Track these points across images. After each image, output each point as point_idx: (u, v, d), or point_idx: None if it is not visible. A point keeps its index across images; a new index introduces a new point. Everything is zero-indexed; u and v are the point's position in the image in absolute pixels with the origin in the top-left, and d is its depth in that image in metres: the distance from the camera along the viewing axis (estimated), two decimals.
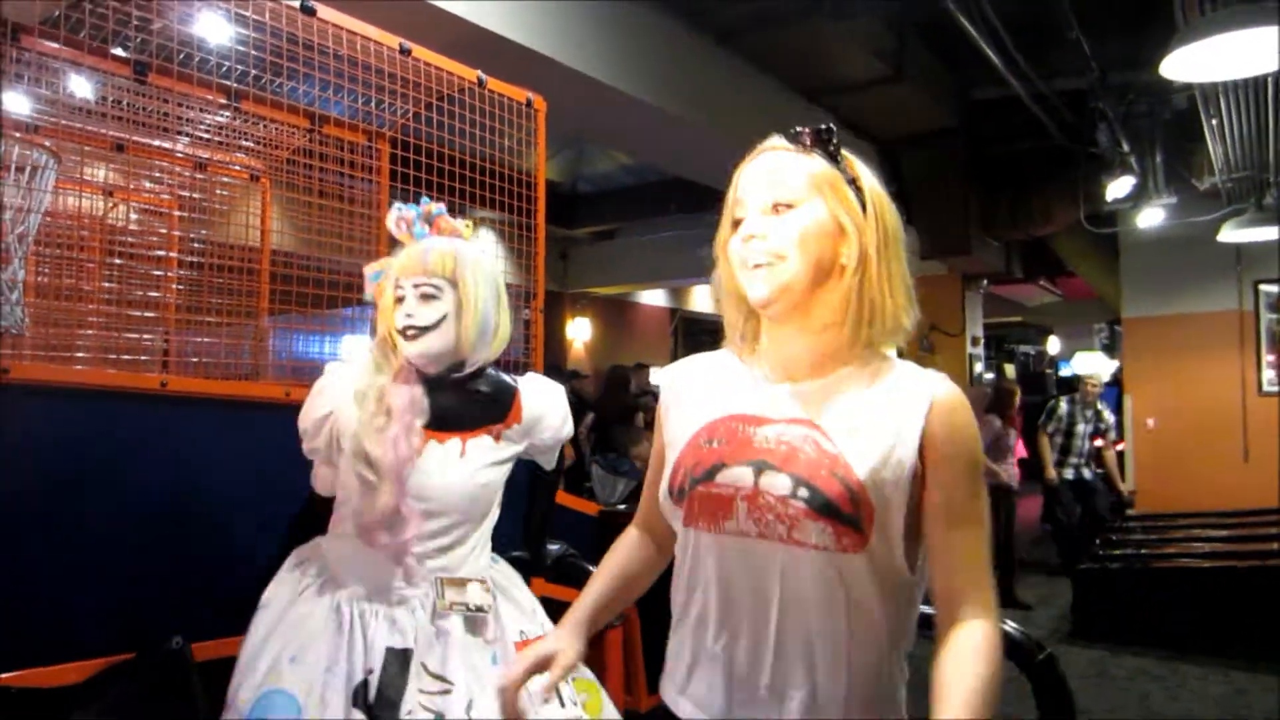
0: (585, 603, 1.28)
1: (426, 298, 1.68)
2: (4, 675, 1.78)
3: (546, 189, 2.96)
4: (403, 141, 2.77)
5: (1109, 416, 6.81)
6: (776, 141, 1.15)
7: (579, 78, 4.46)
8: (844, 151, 1.14)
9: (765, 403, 1.13)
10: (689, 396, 1.22)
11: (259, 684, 1.60)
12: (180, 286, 2.93)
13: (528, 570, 2.39)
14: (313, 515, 1.84)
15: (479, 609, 1.72)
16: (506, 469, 1.82)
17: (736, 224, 1.13)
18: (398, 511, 1.66)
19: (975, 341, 9.46)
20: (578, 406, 7.31)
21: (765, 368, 1.16)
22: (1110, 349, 10.64)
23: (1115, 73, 6.13)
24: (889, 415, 1.07)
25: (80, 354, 2.66)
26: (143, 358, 2.85)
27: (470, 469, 1.73)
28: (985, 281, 9.67)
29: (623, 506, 3.66)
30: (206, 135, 2.89)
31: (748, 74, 5.92)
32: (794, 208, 1.09)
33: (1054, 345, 15.51)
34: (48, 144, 2.09)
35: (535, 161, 2.89)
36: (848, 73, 6.21)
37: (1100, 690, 4.53)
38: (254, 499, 2.02)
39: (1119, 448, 8.25)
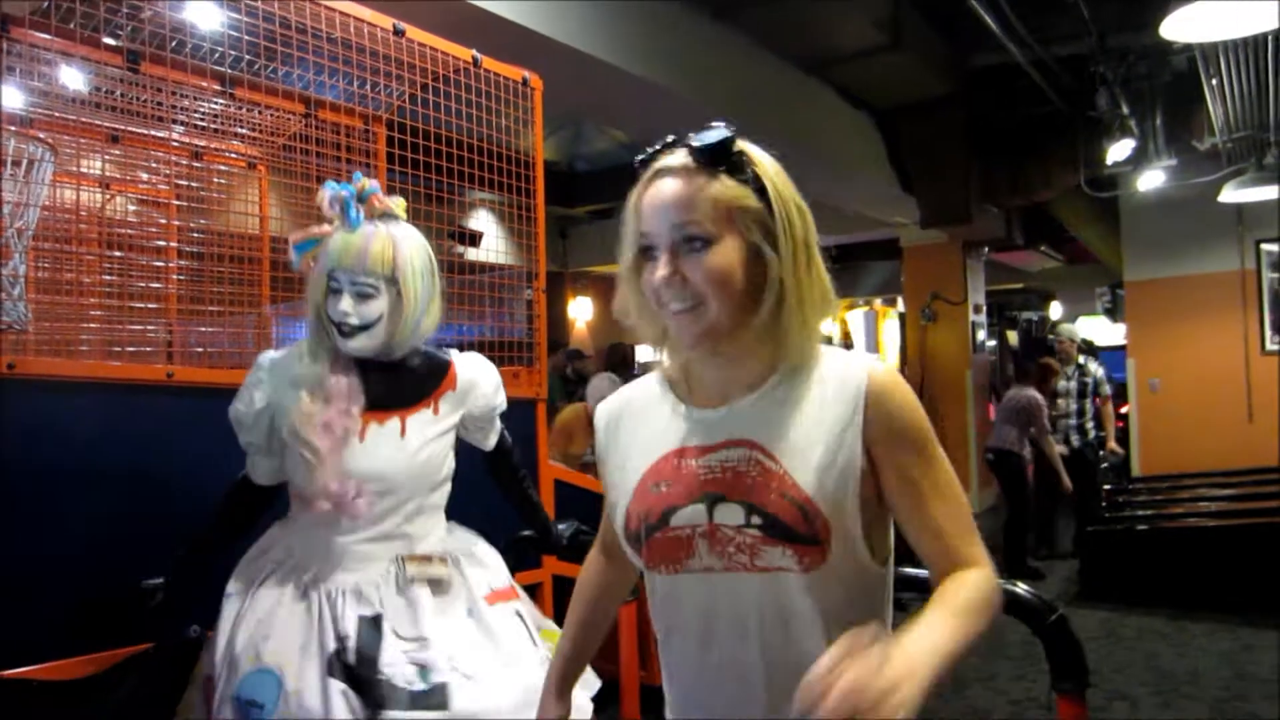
0: (559, 664, 1.36)
1: (364, 297, 1.69)
2: (23, 668, 1.79)
3: (544, 168, 2.95)
4: (399, 124, 2.76)
5: (1095, 369, 6.70)
6: (672, 160, 1.07)
7: (574, 55, 4.42)
8: (747, 152, 1.08)
9: (703, 430, 1.11)
10: (625, 435, 1.19)
11: (238, 671, 1.64)
12: (181, 277, 2.93)
13: (539, 548, 2.40)
14: (241, 501, 1.86)
15: (437, 581, 1.78)
16: (449, 439, 1.86)
17: (644, 252, 1.08)
18: (341, 494, 1.69)
19: (978, 309, 9.43)
20: (580, 385, 7.32)
21: (697, 392, 1.14)
22: (1112, 312, 10.62)
23: (1114, 36, 6.07)
24: (826, 419, 1.05)
25: (84, 348, 2.66)
26: (147, 349, 2.85)
27: (413, 446, 1.77)
28: (986, 249, 9.64)
29: None
30: (202, 123, 2.88)
31: (744, 47, 5.87)
32: (709, 244, 1.03)
33: (1056, 310, 15.48)
34: (43, 137, 2.08)
35: (533, 141, 2.88)
36: (845, 43, 6.15)
37: (1109, 650, 4.56)
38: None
39: (1123, 409, 8.26)
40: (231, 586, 1.76)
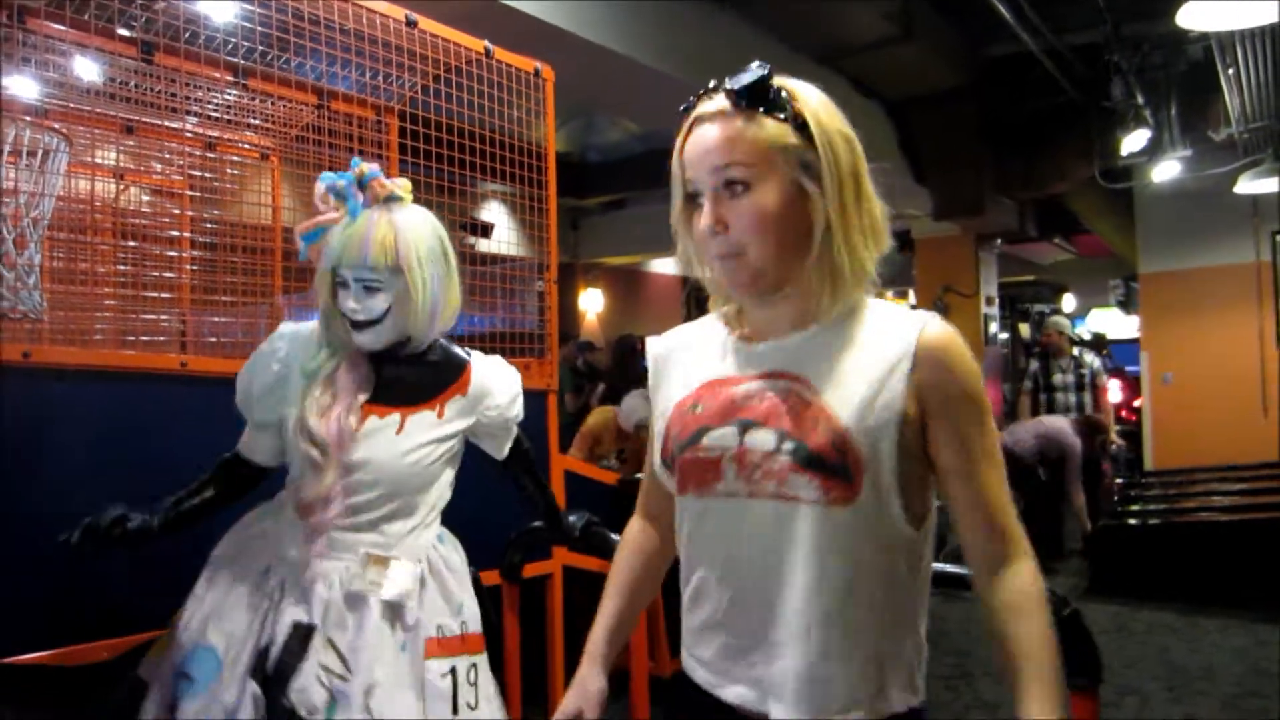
0: (601, 632, 1.27)
1: (370, 290, 1.65)
2: (39, 654, 1.81)
3: (556, 159, 2.94)
4: (411, 115, 2.76)
5: (1091, 359, 6.61)
6: (711, 105, 1.07)
7: (586, 46, 4.42)
8: (787, 87, 1.07)
9: (748, 362, 1.12)
10: (676, 367, 1.21)
11: (193, 637, 1.64)
12: (195, 267, 2.94)
13: (550, 539, 2.41)
14: (232, 477, 1.81)
15: (394, 595, 1.66)
16: (450, 446, 1.78)
17: (690, 198, 1.09)
18: (334, 495, 1.66)
19: (990, 301, 9.38)
20: (590, 377, 7.34)
21: (748, 329, 1.15)
22: (1126, 305, 10.55)
23: (1129, 24, 6.02)
24: (872, 361, 1.05)
25: (99, 337, 2.68)
26: (160, 339, 2.87)
27: (405, 445, 1.70)
28: (999, 241, 9.57)
29: (639, 475, 3.67)
30: (215, 114, 2.89)
31: (755, 38, 5.85)
32: (749, 187, 1.04)
33: (1069, 303, 15.39)
34: (58, 127, 2.09)
35: (544, 132, 2.88)
36: (855, 34, 6.12)
37: (1120, 645, 4.55)
38: (277, 474, 2.04)
39: (1136, 403, 8.20)
40: (217, 550, 1.74)
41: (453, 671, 1.71)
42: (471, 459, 1.93)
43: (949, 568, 1.64)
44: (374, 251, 1.63)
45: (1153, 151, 6.84)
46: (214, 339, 2.83)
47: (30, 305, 2.00)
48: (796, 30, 6.06)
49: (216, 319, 2.86)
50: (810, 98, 1.08)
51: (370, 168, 1.70)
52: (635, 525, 1.35)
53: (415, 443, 1.72)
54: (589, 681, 1.24)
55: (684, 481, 1.13)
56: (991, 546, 1.06)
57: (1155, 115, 6.60)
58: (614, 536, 1.41)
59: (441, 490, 1.81)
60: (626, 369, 6.60)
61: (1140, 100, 6.40)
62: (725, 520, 1.09)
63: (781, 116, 1.05)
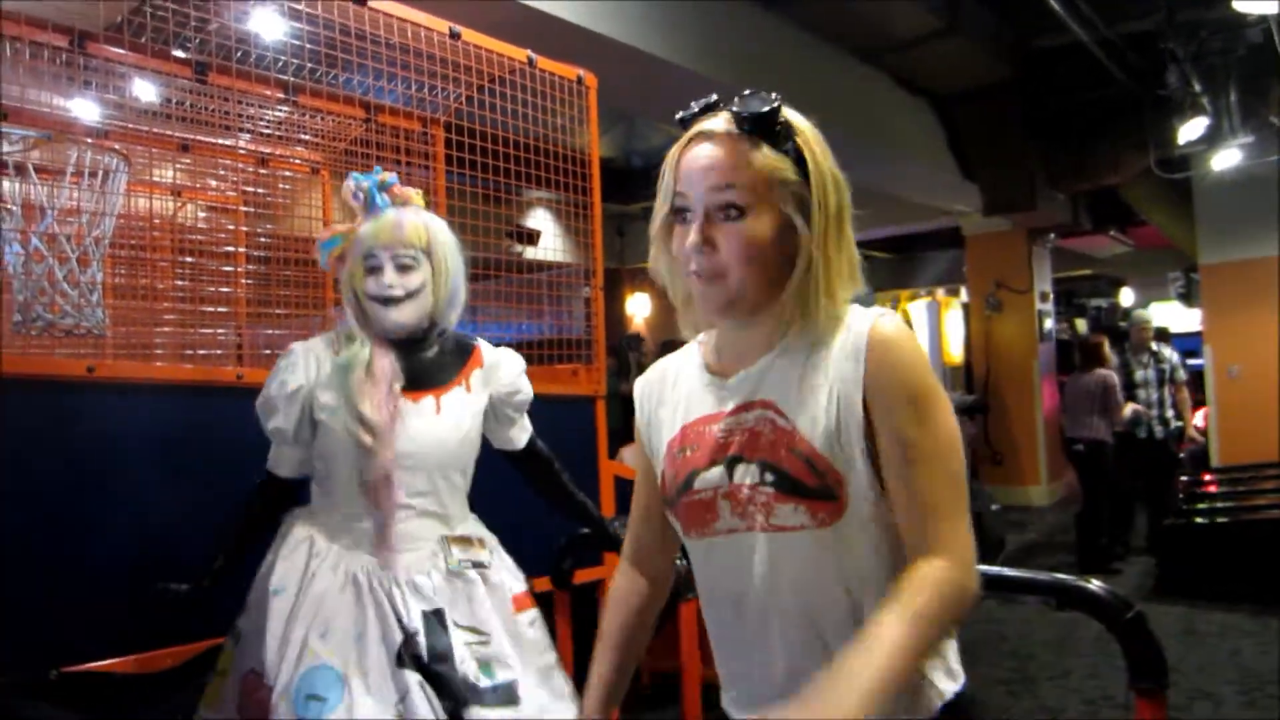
0: (598, 694, 1.26)
1: (405, 268, 1.75)
2: (106, 662, 1.85)
3: (600, 165, 2.95)
4: (456, 126, 2.79)
5: (1170, 354, 6.41)
6: (715, 125, 1.06)
7: (628, 52, 4.43)
8: (787, 118, 1.06)
9: (723, 396, 1.12)
10: (660, 406, 1.21)
11: (294, 667, 1.64)
12: (249, 281, 3.01)
13: (597, 546, 2.41)
14: (270, 499, 1.86)
15: (481, 564, 1.81)
16: (478, 420, 1.88)
17: (676, 212, 1.08)
18: (376, 475, 1.72)
19: (1044, 297, 9.21)
20: (638, 371, 7.35)
21: (721, 358, 1.15)
22: (1187, 298, 10.27)
23: (1184, 11, 5.88)
24: (833, 375, 1.04)
25: (159, 351, 2.75)
26: (218, 352, 2.94)
27: (448, 423, 1.80)
28: (1052, 235, 9.40)
29: None
30: (267, 131, 2.95)
31: (797, 36, 5.82)
32: (744, 213, 1.03)
33: (1127, 297, 15.04)
34: (118, 148, 2.15)
35: (588, 138, 2.89)
36: (899, 29, 6.06)
37: (1189, 647, 4.43)
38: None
39: (1197, 398, 7.97)
40: (275, 583, 1.75)
41: (535, 620, 1.88)
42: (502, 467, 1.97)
43: (1006, 571, 1.61)
44: (409, 231, 1.76)
45: (1211, 139, 6.65)
46: (268, 351, 2.89)
47: (94, 322, 2.06)
48: (839, 28, 6.01)
49: (271, 331, 2.92)
50: (810, 134, 1.08)
51: (389, 175, 1.82)
52: (620, 575, 1.33)
53: (455, 419, 1.82)
54: None
55: (686, 525, 1.14)
56: (915, 545, 1.00)
57: (1214, 102, 6.42)
58: None
59: (472, 463, 1.90)
60: None
61: (1197, 87, 6.23)
62: (727, 557, 1.09)
63: (784, 149, 1.05)
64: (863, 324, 1.05)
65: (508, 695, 1.68)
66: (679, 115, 1.11)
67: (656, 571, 1.30)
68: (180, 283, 2.93)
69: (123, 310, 2.74)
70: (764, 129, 1.04)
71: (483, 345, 1.94)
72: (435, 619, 1.70)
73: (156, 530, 1.96)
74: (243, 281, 2.99)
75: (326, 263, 1.85)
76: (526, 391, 1.98)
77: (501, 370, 1.93)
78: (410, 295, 1.75)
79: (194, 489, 2.02)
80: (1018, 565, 1.28)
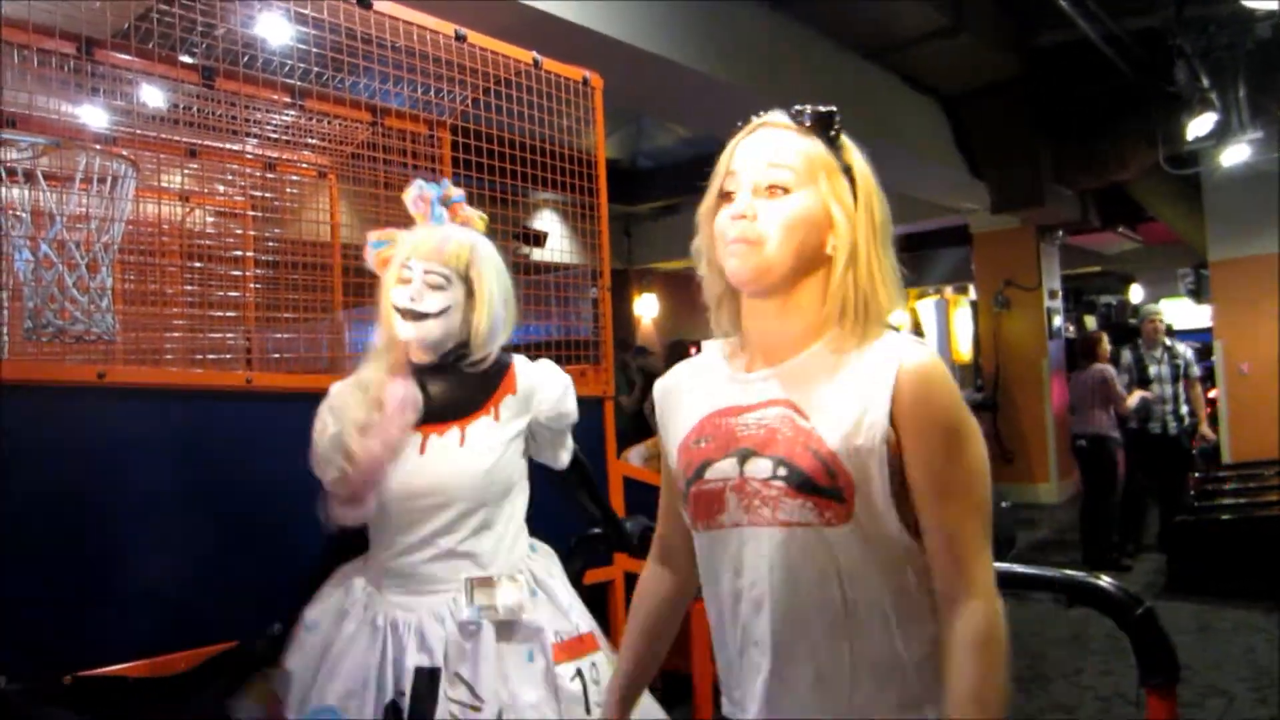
0: (620, 685, 1.32)
1: (434, 286, 1.68)
2: (119, 665, 1.86)
3: (607, 166, 2.96)
4: (463, 129, 2.80)
5: (1183, 350, 6.36)
6: (776, 117, 1.13)
7: (633, 52, 4.43)
8: (843, 137, 1.13)
9: (746, 391, 1.13)
10: (679, 403, 1.22)
11: (305, 706, 1.65)
12: (258, 285, 3.01)
13: (610, 547, 2.41)
14: (336, 554, 1.83)
15: (509, 612, 1.68)
16: (515, 447, 1.79)
17: (724, 195, 1.12)
18: (395, 511, 1.67)
19: (1053, 294, 9.17)
20: (647, 382, 7.34)
21: (746, 356, 1.16)
22: (1197, 294, 10.22)
23: (1192, 6, 5.85)
24: (858, 384, 1.06)
25: (169, 356, 2.76)
26: (227, 356, 2.95)
27: (472, 455, 1.71)
28: (1061, 232, 9.37)
29: None
30: (274, 135, 2.96)
31: (802, 36, 5.81)
32: (788, 192, 1.08)
33: (1136, 294, 14.98)
34: (126, 153, 2.16)
35: (594, 140, 2.89)
36: (904, 27, 6.05)
37: (1203, 645, 4.40)
38: None
39: (1211, 394, 7.93)
40: (310, 616, 1.74)
41: (579, 674, 1.74)
42: (530, 469, 1.94)
43: (1018, 568, 1.61)
44: (450, 249, 1.70)
45: (1220, 135, 6.63)
46: (277, 355, 2.90)
47: (104, 327, 2.07)
48: (845, 27, 6.01)
49: (280, 335, 2.92)
50: (858, 153, 1.14)
51: (457, 192, 1.79)
52: (648, 570, 1.37)
53: (480, 451, 1.72)
54: None
55: (694, 515, 1.15)
56: (948, 579, 1.05)
57: (1222, 97, 6.39)
58: None
59: (517, 498, 1.81)
60: None
61: (1206, 83, 6.20)
62: (729, 550, 1.11)
63: (834, 150, 1.11)
64: (896, 350, 1.07)
65: None
66: (740, 124, 1.16)
67: (681, 569, 1.31)
68: (189, 287, 2.93)
69: (132, 316, 2.75)
70: (820, 127, 1.11)
71: (518, 366, 1.83)
72: (425, 679, 1.62)
73: (168, 534, 1.97)
74: (251, 286, 3.00)
75: (373, 262, 1.79)
76: (572, 413, 1.89)
77: (543, 393, 1.83)
78: (430, 315, 1.68)
79: (205, 492, 2.03)
80: (1028, 563, 1.28)
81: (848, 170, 1.11)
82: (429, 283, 1.68)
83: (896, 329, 1.13)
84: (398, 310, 1.69)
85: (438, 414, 1.72)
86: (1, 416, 1.72)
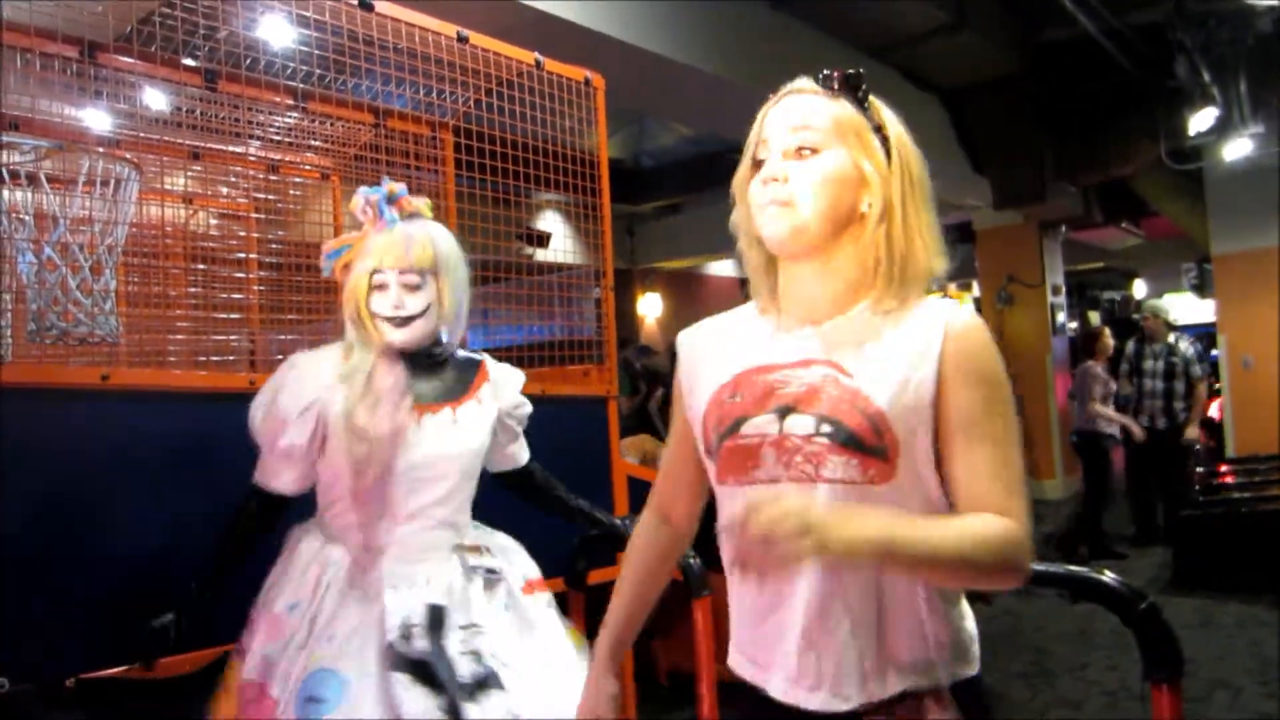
0: (612, 632, 1.33)
1: (412, 288, 1.76)
2: (123, 669, 1.87)
3: (609, 166, 2.96)
4: (465, 130, 2.80)
5: (1185, 348, 6.34)
6: (804, 84, 1.14)
7: (635, 52, 4.43)
8: (871, 98, 1.13)
9: (784, 349, 1.13)
10: (708, 357, 1.22)
11: (300, 673, 1.65)
12: (261, 287, 3.02)
13: (613, 546, 2.41)
14: (260, 515, 1.82)
15: (493, 571, 1.83)
16: (490, 432, 1.90)
17: (757, 165, 1.13)
18: (389, 484, 1.72)
19: (1056, 290, 9.16)
20: (650, 381, 7.35)
21: (783, 314, 1.16)
22: (1200, 289, 10.20)
23: (1193, 1, 5.84)
24: (905, 344, 1.06)
25: (173, 358, 2.77)
26: (230, 358, 2.96)
27: (465, 433, 1.83)
28: (1064, 228, 9.35)
29: None
30: (277, 137, 2.96)
31: (803, 33, 5.81)
32: (817, 153, 1.09)
33: (1140, 289, 14.98)
34: (129, 156, 2.16)
35: (597, 140, 2.89)
36: (906, 24, 6.04)
37: (1207, 639, 4.40)
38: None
39: (1215, 388, 7.92)
40: (288, 599, 1.74)
41: (552, 603, 1.92)
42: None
43: None
44: (416, 253, 1.76)
45: (1222, 129, 6.61)
46: (281, 356, 2.90)
47: (107, 330, 2.08)
48: (846, 24, 6.00)
49: (283, 337, 2.93)
50: (891, 115, 1.14)
51: (399, 186, 1.82)
52: (644, 521, 1.37)
53: (471, 429, 1.84)
54: (601, 685, 1.32)
55: (723, 470, 1.14)
56: (975, 503, 1.03)
57: (1224, 92, 6.37)
58: None
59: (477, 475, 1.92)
60: None
61: (1207, 77, 6.19)
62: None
63: (863, 110, 1.11)
64: (941, 310, 1.08)
65: (493, 684, 1.68)
66: (771, 94, 1.17)
67: (677, 521, 1.33)
68: (193, 290, 2.94)
69: (136, 318, 2.76)
70: (848, 89, 1.11)
71: (488, 361, 1.97)
72: (436, 613, 1.71)
73: (171, 536, 1.98)
74: (254, 288, 3.00)
75: (331, 271, 1.87)
76: (528, 406, 2.02)
77: (507, 385, 1.97)
78: (416, 316, 1.77)
79: (208, 494, 2.04)
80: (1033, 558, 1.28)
81: (880, 130, 1.11)
82: (406, 285, 1.75)
83: (942, 294, 1.13)
84: (383, 319, 1.76)
85: (429, 395, 1.81)
86: (6, 419, 1.73)
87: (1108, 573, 1.57)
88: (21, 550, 1.79)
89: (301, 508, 1.85)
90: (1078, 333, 8.55)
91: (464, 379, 1.89)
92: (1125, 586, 1.54)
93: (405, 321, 1.76)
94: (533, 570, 1.94)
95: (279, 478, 1.80)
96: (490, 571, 1.83)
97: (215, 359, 2.89)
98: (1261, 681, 3.83)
